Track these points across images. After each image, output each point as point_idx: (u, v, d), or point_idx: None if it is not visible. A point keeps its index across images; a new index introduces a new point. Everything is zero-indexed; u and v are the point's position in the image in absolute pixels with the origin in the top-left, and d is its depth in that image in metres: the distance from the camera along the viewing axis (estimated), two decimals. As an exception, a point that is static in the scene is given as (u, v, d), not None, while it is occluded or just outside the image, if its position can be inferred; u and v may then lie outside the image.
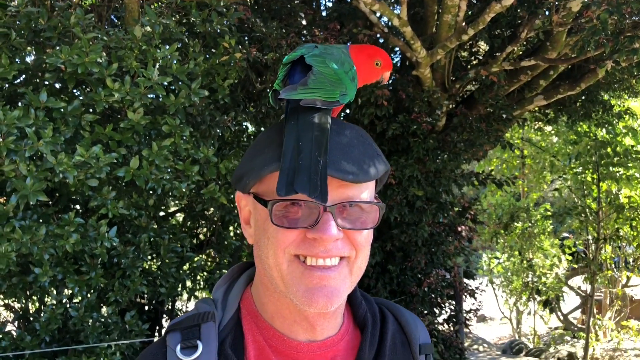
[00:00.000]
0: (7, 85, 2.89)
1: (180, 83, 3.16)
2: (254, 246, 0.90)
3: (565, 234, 10.35)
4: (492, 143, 4.49)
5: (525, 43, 5.02)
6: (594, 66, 4.46)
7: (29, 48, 3.21)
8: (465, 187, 5.22)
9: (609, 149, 7.87)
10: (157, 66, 2.99)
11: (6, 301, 3.73)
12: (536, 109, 6.68)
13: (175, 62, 3.10)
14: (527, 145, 11.37)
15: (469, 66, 4.71)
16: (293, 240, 0.82)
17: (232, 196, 3.63)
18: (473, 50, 5.22)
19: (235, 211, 3.97)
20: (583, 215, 8.61)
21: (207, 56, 3.38)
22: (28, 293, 3.39)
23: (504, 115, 4.44)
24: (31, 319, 3.47)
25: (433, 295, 4.99)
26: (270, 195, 0.82)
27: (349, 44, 1.03)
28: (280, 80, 0.91)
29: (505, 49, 4.21)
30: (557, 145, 9.94)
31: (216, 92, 3.46)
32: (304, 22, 4.31)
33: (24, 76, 3.12)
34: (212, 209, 4.17)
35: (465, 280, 5.55)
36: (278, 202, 0.81)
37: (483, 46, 5.15)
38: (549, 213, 9.38)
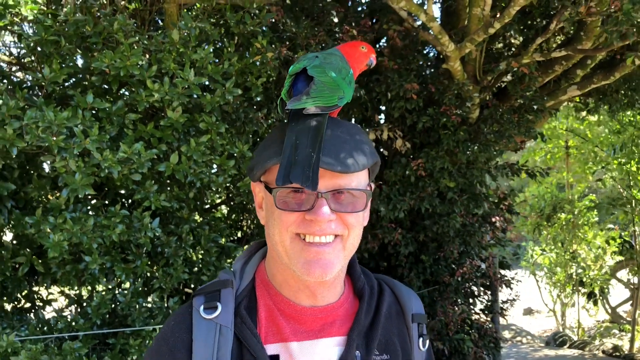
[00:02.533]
0: (58, 89, 3.13)
1: (215, 83, 3.34)
2: (265, 226, 1.08)
3: (611, 225, 10.14)
4: (523, 134, 4.51)
5: (559, 33, 5.00)
6: (619, 56, 4.42)
7: (78, 51, 3.46)
8: (504, 178, 5.24)
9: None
10: (194, 67, 3.18)
11: (61, 288, 4.02)
12: (577, 99, 6.60)
13: (210, 62, 3.29)
14: (572, 136, 11.17)
15: (501, 58, 4.73)
16: (294, 221, 0.99)
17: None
18: (506, 42, 5.23)
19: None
20: (628, 206, 8.46)
21: (241, 56, 3.55)
22: (81, 280, 3.66)
23: (535, 107, 4.47)
24: (84, 304, 3.74)
25: (467, 285, 5.06)
26: (274, 183, 0.99)
27: (336, 46, 1.21)
28: (286, 90, 1.07)
29: (535, 40, 4.23)
30: (600, 135, 9.74)
31: (250, 90, 3.64)
32: (335, 20, 4.43)
33: (73, 79, 3.37)
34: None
35: (501, 270, 5.58)
36: (280, 190, 0.98)
37: (517, 38, 5.15)
38: (593, 204, 9.23)
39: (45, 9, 3.39)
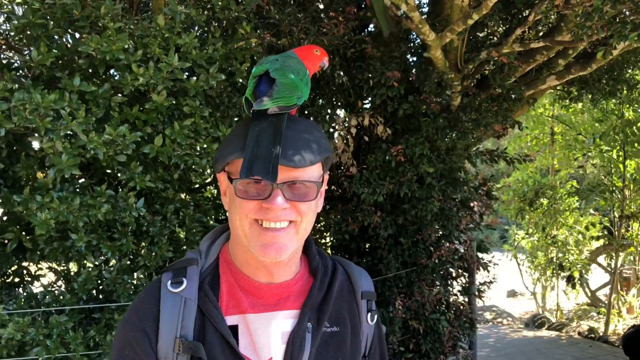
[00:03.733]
0: (46, 71, 3.21)
1: (200, 67, 3.44)
2: (228, 212, 1.20)
3: (592, 211, 10.37)
4: (500, 123, 4.64)
5: (541, 24, 5.10)
6: (590, 50, 4.54)
7: (67, 33, 3.52)
8: (490, 164, 5.37)
9: (634, 127, 7.86)
10: (178, 52, 3.27)
11: (49, 264, 4.13)
12: (560, 87, 6.72)
13: (195, 48, 3.38)
14: (558, 122, 11.32)
15: (483, 47, 4.84)
16: (252, 208, 1.12)
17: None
18: (489, 31, 5.33)
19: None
20: (608, 192, 8.65)
21: (226, 42, 3.63)
22: (68, 257, 3.77)
23: (513, 96, 4.59)
24: (71, 280, 3.86)
25: (445, 268, 5.23)
26: (236, 174, 1.12)
27: (291, 50, 1.36)
28: (251, 91, 1.19)
29: (515, 31, 4.34)
30: (585, 122, 9.91)
31: (234, 75, 3.73)
32: (321, 6, 4.51)
33: (60, 62, 3.44)
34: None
35: (479, 254, 5.74)
36: (240, 180, 1.10)
37: (500, 27, 5.25)
38: (574, 190, 9.43)
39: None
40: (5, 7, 3.49)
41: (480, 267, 5.60)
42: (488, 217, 5.64)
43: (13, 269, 3.83)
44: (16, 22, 3.17)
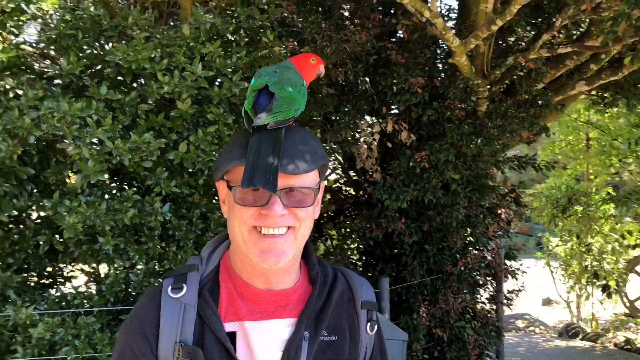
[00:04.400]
0: (75, 79, 3.32)
1: (223, 76, 3.50)
2: (227, 219, 1.23)
3: (628, 219, 10.07)
4: (527, 129, 4.58)
5: (570, 29, 5.02)
6: (618, 55, 4.44)
7: (96, 44, 3.64)
8: (523, 171, 5.29)
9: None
10: (201, 61, 3.34)
11: (80, 266, 4.26)
12: (594, 92, 6.59)
13: (219, 56, 3.45)
14: (594, 128, 11.06)
15: (510, 53, 4.79)
16: (251, 215, 1.15)
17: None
18: (517, 37, 5.27)
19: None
20: (645, 200, 8.40)
21: (250, 50, 3.69)
22: (97, 259, 3.88)
23: (540, 102, 4.53)
24: (100, 282, 3.97)
25: (472, 275, 5.18)
26: (235, 182, 1.16)
27: (289, 59, 1.40)
28: (251, 105, 1.23)
29: (542, 36, 4.28)
30: (621, 127, 9.65)
31: (258, 82, 3.77)
32: (346, 14, 4.54)
33: (90, 70, 3.56)
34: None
35: (507, 261, 5.67)
36: (239, 188, 1.14)
37: (528, 32, 5.19)
38: (610, 197, 9.19)
39: (65, 2, 3.58)
40: (39, 18, 3.63)
41: (509, 275, 5.52)
42: (516, 224, 5.55)
43: (48, 270, 3.96)
44: (49, 33, 3.29)
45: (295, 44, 3.86)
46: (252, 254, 1.16)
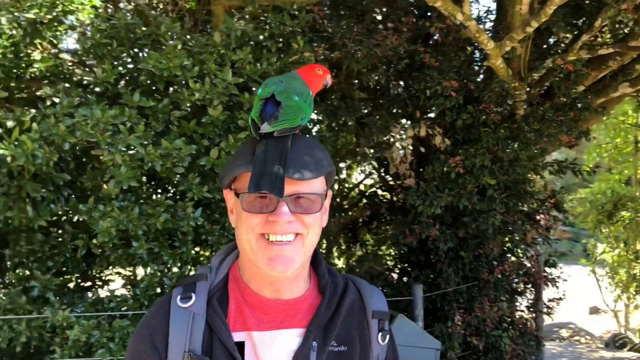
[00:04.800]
0: (110, 87, 3.40)
1: (254, 82, 3.52)
2: (235, 228, 1.23)
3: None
4: (565, 133, 4.43)
5: (614, 29, 4.85)
6: None
7: (130, 52, 3.72)
8: (565, 175, 5.14)
9: None
10: (232, 68, 3.37)
11: (118, 270, 4.35)
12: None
13: (249, 63, 3.47)
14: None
15: (548, 55, 4.66)
16: (259, 222, 1.15)
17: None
18: (557, 38, 5.12)
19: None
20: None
21: (280, 56, 3.71)
22: (132, 263, 3.96)
23: (579, 105, 4.38)
24: (135, 285, 4.04)
25: (509, 282, 5.05)
26: (242, 190, 1.16)
27: (294, 70, 1.41)
28: (258, 113, 1.23)
29: (581, 37, 4.15)
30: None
31: (288, 89, 3.78)
32: (379, 17, 4.50)
33: (126, 78, 3.64)
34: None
35: (547, 269, 5.50)
36: (246, 195, 1.14)
37: (567, 34, 5.04)
38: (659, 203, 8.83)
39: (101, 12, 3.67)
40: (77, 28, 3.74)
41: (548, 283, 5.36)
42: (555, 230, 5.38)
43: (88, 273, 4.06)
44: (84, 42, 3.38)
45: (326, 49, 3.84)
46: (260, 261, 1.15)
